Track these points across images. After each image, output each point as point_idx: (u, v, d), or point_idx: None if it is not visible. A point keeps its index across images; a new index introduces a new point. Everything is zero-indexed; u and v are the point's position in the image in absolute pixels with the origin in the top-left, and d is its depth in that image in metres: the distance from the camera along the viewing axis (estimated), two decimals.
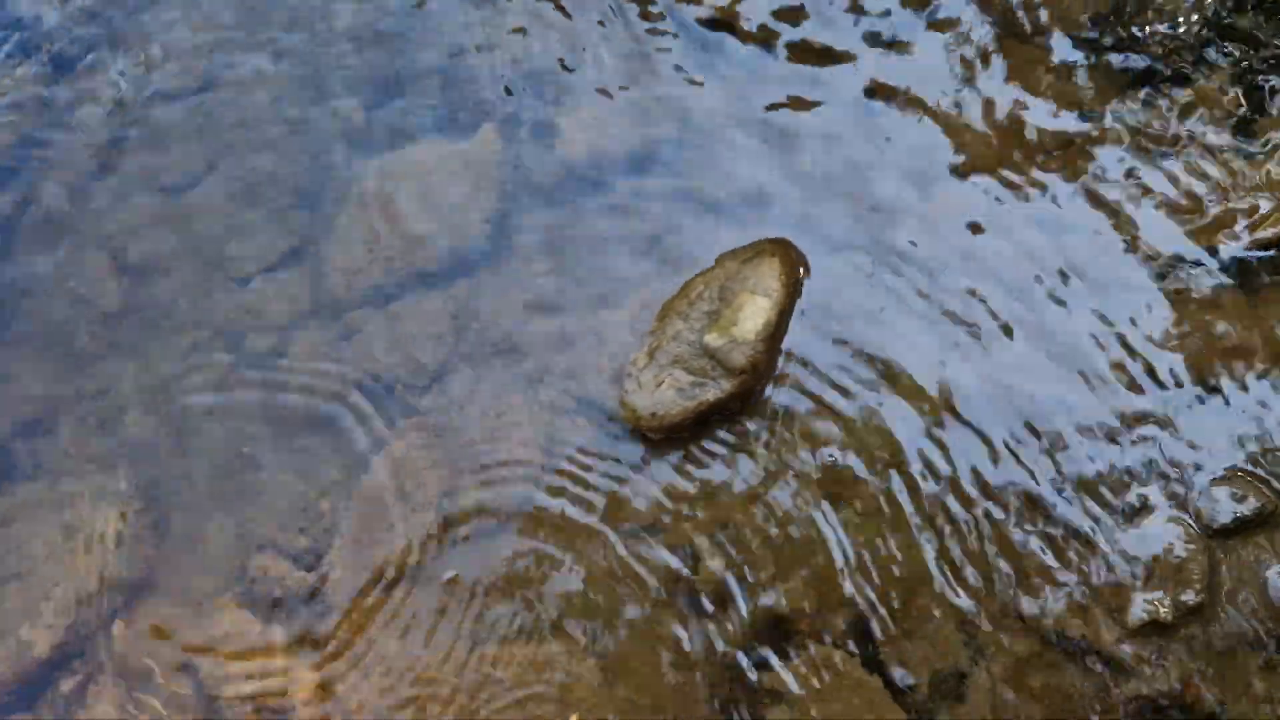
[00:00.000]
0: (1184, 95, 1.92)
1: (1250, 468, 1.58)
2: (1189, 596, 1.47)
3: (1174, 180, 1.83)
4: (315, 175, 2.06)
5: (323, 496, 1.76)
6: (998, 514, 1.60)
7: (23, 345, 1.94)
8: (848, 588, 1.57)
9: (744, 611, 1.58)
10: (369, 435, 1.79)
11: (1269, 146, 1.83)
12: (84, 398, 1.89)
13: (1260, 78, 1.90)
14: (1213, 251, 1.76)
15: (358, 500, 1.72)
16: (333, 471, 1.77)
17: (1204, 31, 1.97)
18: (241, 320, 1.94)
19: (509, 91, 2.10)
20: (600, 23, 2.16)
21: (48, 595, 1.69)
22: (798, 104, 2.01)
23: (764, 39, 2.10)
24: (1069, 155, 1.91)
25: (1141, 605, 1.49)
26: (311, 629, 1.65)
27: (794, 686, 1.52)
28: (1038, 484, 1.61)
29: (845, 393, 1.70)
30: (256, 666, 1.62)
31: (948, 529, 1.59)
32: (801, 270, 1.79)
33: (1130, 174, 1.86)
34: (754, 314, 1.64)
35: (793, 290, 1.73)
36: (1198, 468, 1.59)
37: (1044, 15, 2.05)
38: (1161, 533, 1.54)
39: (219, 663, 1.64)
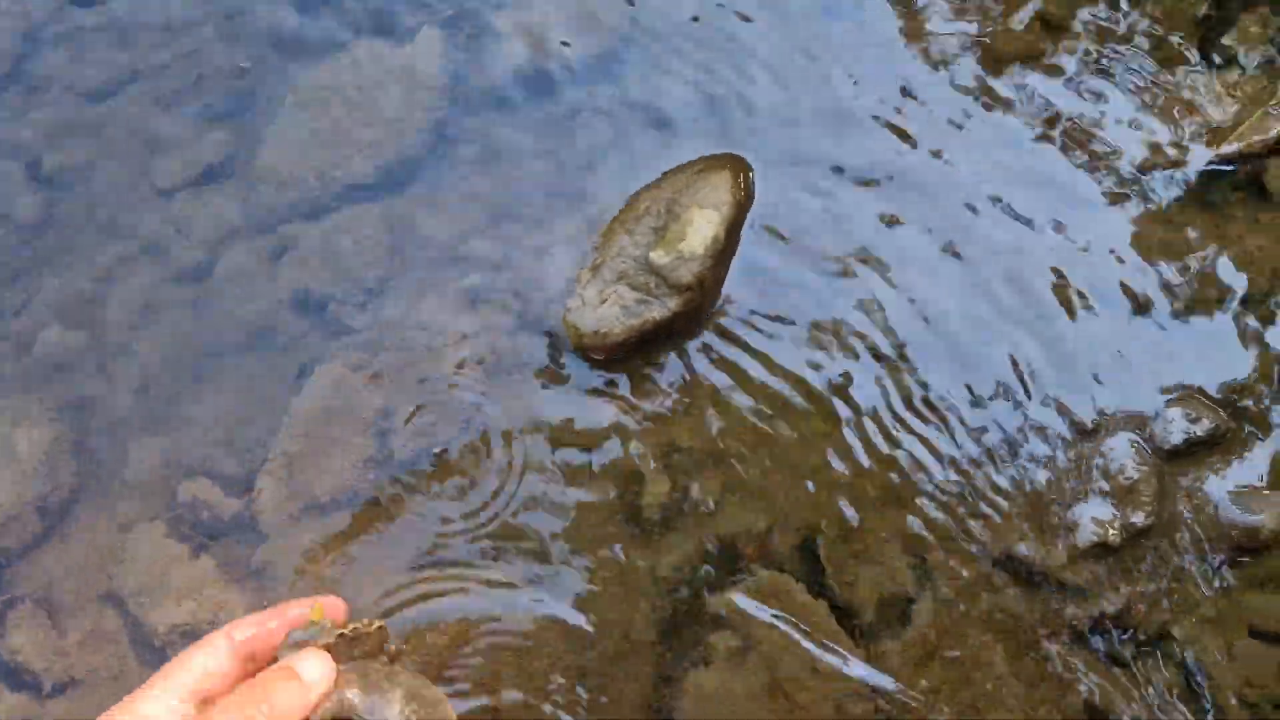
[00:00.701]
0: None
1: (1205, 389, 1.55)
2: (1138, 518, 1.45)
3: (1134, 90, 1.77)
4: (244, 82, 1.95)
5: (254, 420, 1.68)
6: (945, 436, 1.56)
7: None
8: (794, 512, 1.54)
9: (688, 536, 1.54)
10: (302, 355, 1.72)
11: (1234, 56, 1.77)
12: (2, 315, 1.80)
13: None
14: (1174, 166, 1.71)
15: (291, 423, 1.65)
16: (265, 393, 1.70)
17: None
18: (167, 234, 1.85)
19: None
20: None
21: None
22: (750, 13, 1.92)
23: None
24: (1030, 64, 1.84)
25: (1090, 527, 1.47)
26: (243, 556, 1.59)
27: (739, 611, 1.49)
28: (987, 405, 1.58)
29: (794, 312, 1.65)
30: (185, 595, 1.57)
31: (895, 452, 1.56)
32: (752, 186, 1.72)
33: (1090, 84, 1.79)
34: (702, 229, 1.58)
35: (743, 206, 1.66)
36: (1151, 389, 1.56)
37: None
38: (1112, 454, 1.51)
39: (146, 591, 1.58)
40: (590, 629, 1.50)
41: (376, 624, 1.05)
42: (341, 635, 1.01)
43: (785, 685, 1.44)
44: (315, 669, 0.97)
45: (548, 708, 1.46)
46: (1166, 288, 1.63)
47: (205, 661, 0.97)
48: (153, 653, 1.55)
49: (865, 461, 1.55)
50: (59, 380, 1.74)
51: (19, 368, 1.76)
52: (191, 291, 1.80)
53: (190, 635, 1.53)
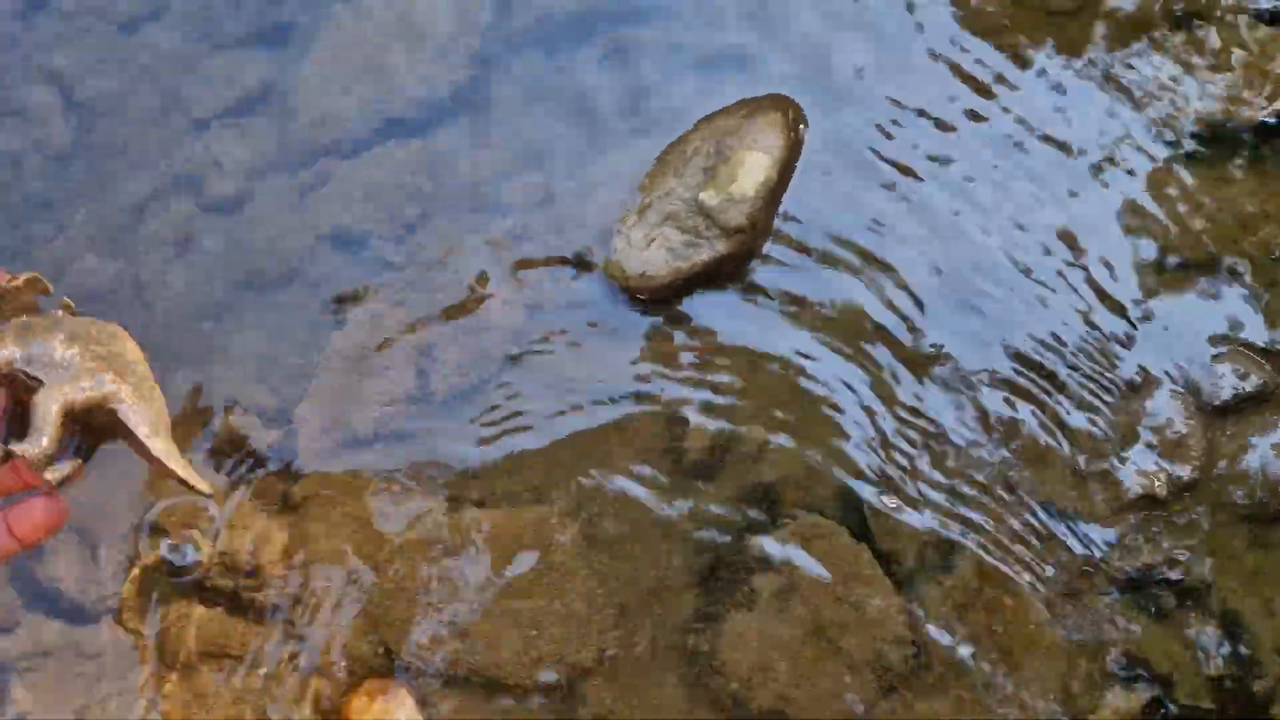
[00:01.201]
0: None
1: (1255, 345, 1.54)
2: (1184, 472, 1.45)
3: (1191, 47, 1.75)
4: (281, 13, 1.91)
5: (290, 354, 1.67)
6: (993, 386, 1.55)
7: None
8: (839, 457, 1.53)
9: (731, 480, 1.53)
10: (339, 291, 1.70)
11: None
12: (35, 242, 1.78)
13: None
14: (1227, 122, 1.69)
15: (330, 357, 1.64)
16: (301, 328, 1.68)
17: None
18: (202, 166, 1.82)
19: None
20: None
21: None
22: None
23: None
24: (1079, 19, 1.81)
25: (1136, 480, 1.47)
26: (281, 489, 1.59)
27: (780, 555, 1.49)
28: (1035, 356, 1.57)
29: (844, 257, 1.63)
30: (224, 525, 1.56)
31: (943, 400, 1.55)
32: (802, 128, 1.70)
33: (1143, 42, 1.77)
34: (753, 171, 1.56)
35: (794, 148, 1.64)
36: (1200, 344, 1.55)
37: None
38: (1160, 408, 1.51)
39: (180, 518, 1.57)
40: (630, 567, 1.49)
41: (26, 275, 0.97)
42: None
43: (829, 630, 1.44)
44: None
45: (589, 641, 1.47)
46: (1219, 242, 1.62)
47: None
48: (187, 581, 1.55)
49: (909, 409, 1.55)
50: (93, 310, 1.72)
51: (57, 292, 1.74)
52: (227, 223, 1.77)
53: (228, 567, 1.53)
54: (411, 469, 1.58)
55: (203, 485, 1.30)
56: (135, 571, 1.55)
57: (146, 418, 1.20)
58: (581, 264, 1.66)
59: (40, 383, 1.01)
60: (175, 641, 1.53)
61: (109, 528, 1.58)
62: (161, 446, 1.20)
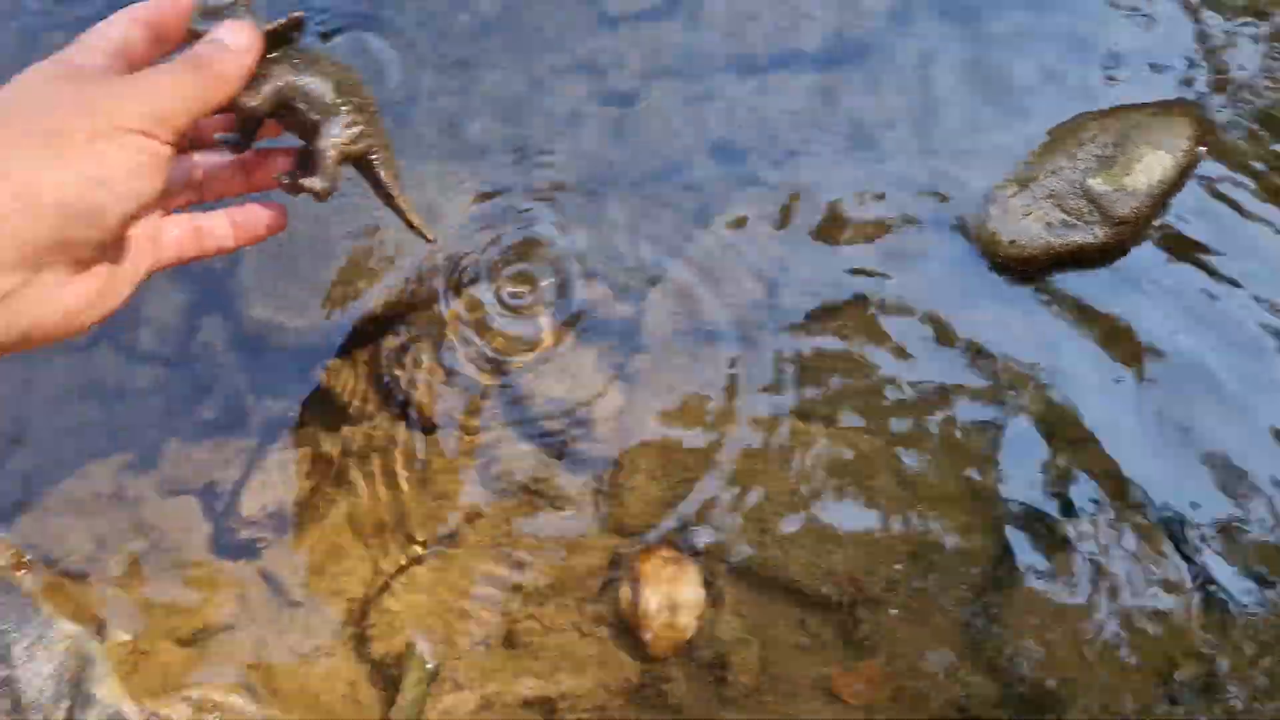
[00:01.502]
0: None
1: None
2: None
3: None
4: None
5: (651, 239, 1.78)
6: None
7: (391, 31, 2.01)
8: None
9: (1049, 460, 1.55)
10: (709, 196, 1.80)
11: None
12: (439, 93, 1.96)
13: None
14: None
15: (691, 252, 1.75)
16: (667, 221, 1.79)
17: None
18: (602, 59, 1.96)
19: None
20: None
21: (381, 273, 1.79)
22: None
23: None
24: None
25: None
26: (624, 362, 1.69)
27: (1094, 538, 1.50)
28: None
29: (1220, 269, 1.62)
30: (566, 374, 1.69)
31: None
32: (1206, 141, 1.69)
33: None
34: (1152, 168, 1.57)
35: (1193, 158, 1.63)
36: None
37: None
38: None
39: (530, 366, 1.70)
40: (929, 526, 1.54)
41: (294, 15, 1.05)
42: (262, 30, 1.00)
43: (1126, 622, 1.44)
44: (242, 35, 0.91)
45: (879, 571, 1.52)
46: None
47: (112, 31, 0.90)
48: (520, 416, 1.68)
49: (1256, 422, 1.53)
50: (478, 165, 1.88)
51: (448, 145, 1.91)
52: (616, 114, 1.90)
53: (568, 414, 1.65)
54: (746, 367, 1.66)
55: (429, 233, 1.50)
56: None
57: (393, 170, 1.39)
58: (950, 221, 1.71)
59: (317, 124, 1.17)
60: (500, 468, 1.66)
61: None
62: (402, 198, 1.40)
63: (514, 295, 1.77)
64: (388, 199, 1.45)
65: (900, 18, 1.88)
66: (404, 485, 1.67)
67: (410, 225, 1.50)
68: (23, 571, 1.65)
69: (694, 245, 1.75)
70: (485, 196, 1.84)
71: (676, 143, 1.85)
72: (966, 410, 1.60)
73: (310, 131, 1.19)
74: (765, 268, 1.72)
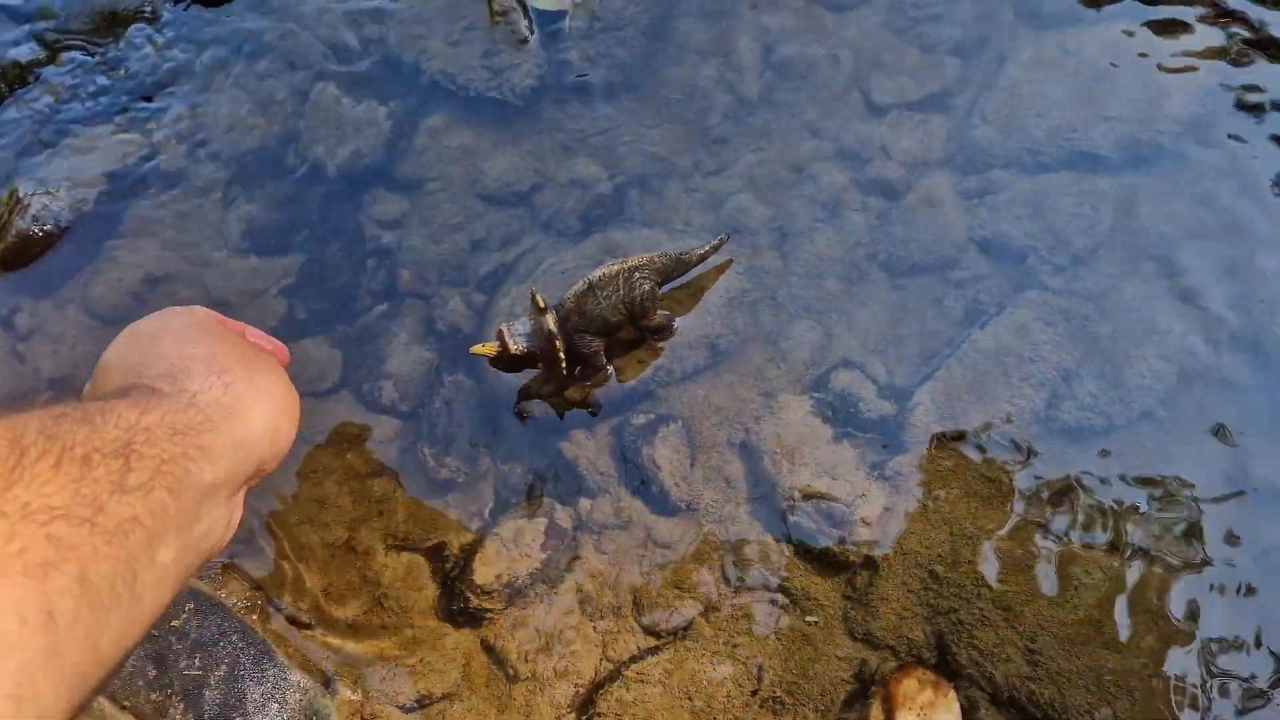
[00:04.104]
0: None
1: None
2: None
3: None
4: (981, 30, 1.98)
5: (915, 337, 1.69)
6: None
7: (661, 109, 1.99)
8: None
9: None
10: (980, 294, 1.71)
11: None
12: (697, 171, 1.92)
13: None
14: None
15: (963, 355, 1.65)
16: (937, 318, 1.71)
17: None
18: (866, 147, 1.90)
19: None
20: None
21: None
22: None
23: None
24: None
25: None
26: (881, 457, 1.60)
27: None
28: None
29: None
30: (820, 470, 1.59)
31: None
32: None
33: None
34: None
35: None
36: None
37: None
38: None
39: (781, 453, 1.62)
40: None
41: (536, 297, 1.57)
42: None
43: None
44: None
45: (1160, 715, 1.36)
46: None
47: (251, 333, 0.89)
48: (768, 507, 1.59)
49: None
50: (740, 243, 1.83)
51: (700, 220, 1.87)
52: (879, 203, 1.84)
53: (825, 511, 1.56)
54: (1009, 487, 1.54)
55: (715, 240, 1.74)
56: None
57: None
58: (1255, 344, 1.57)
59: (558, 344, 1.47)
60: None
61: (709, 434, 1.66)
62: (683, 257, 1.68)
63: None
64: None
65: (1200, 127, 1.77)
66: (640, 566, 1.60)
67: (704, 256, 1.52)
68: (256, 616, 1.62)
69: (968, 345, 1.65)
70: (740, 280, 1.78)
71: (945, 236, 1.77)
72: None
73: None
74: (1047, 377, 1.61)
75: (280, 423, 0.75)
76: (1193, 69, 1.84)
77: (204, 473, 0.63)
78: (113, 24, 2.26)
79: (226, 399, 0.70)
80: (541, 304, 1.61)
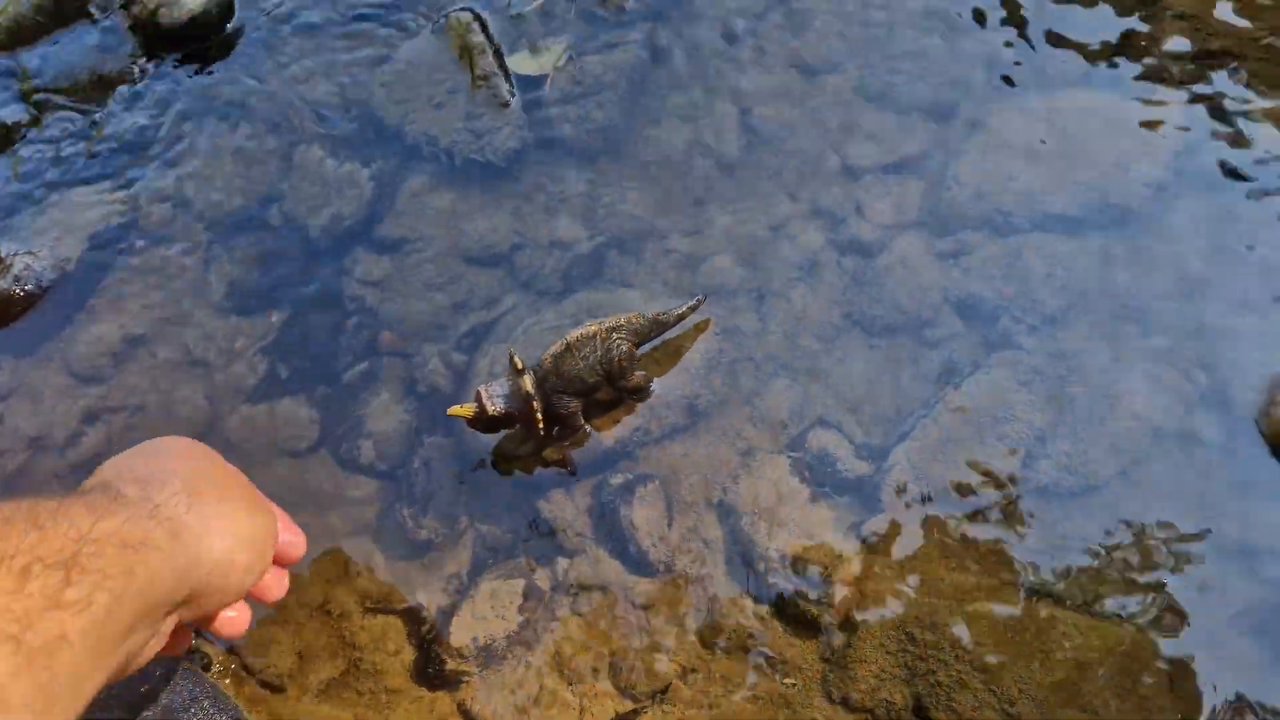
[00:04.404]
0: None
1: None
2: None
3: None
4: (953, 94, 2.01)
5: (891, 397, 1.71)
6: None
7: (640, 171, 2.02)
8: None
9: None
10: (955, 354, 1.72)
11: None
12: (675, 231, 1.95)
13: None
14: None
15: (938, 415, 1.66)
16: (913, 377, 1.72)
17: None
18: (843, 207, 1.93)
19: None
20: None
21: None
22: None
23: None
24: None
25: None
26: (858, 519, 1.60)
27: None
28: None
29: None
30: (797, 532, 1.60)
31: None
32: None
33: None
34: None
35: None
36: None
37: None
38: None
39: (758, 513, 1.62)
40: None
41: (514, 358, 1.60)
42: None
43: None
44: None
45: None
46: None
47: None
48: (746, 568, 1.59)
49: None
50: (718, 303, 1.85)
51: (676, 281, 1.89)
52: (855, 264, 1.86)
53: (799, 568, 1.56)
54: (986, 548, 1.55)
55: (691, 301, 1.76)
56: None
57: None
58: (1223, 404, 1.59)
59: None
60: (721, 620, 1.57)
61: (687, 494, 1.66)
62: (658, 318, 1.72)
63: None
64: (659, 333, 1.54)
65: (1165, 193, 1.81)
66: (617, 628, 1.59)
67: (681, 316, 1.52)
68: (228, 680, 1.60)
69: (942, 405, 1.67)
70: (717, 340, 1.80)
71: (918, 298, 1.79)
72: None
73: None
74: (1021, 438, 1.62)
75: (237, 556, 0.74)
76: (1161, 133, 1.88)
77: (145, 591, 0.63)
78: (99, 85, 2.28)
79: (189, 517, 0.70)
80: (519, 365, 1.62)
